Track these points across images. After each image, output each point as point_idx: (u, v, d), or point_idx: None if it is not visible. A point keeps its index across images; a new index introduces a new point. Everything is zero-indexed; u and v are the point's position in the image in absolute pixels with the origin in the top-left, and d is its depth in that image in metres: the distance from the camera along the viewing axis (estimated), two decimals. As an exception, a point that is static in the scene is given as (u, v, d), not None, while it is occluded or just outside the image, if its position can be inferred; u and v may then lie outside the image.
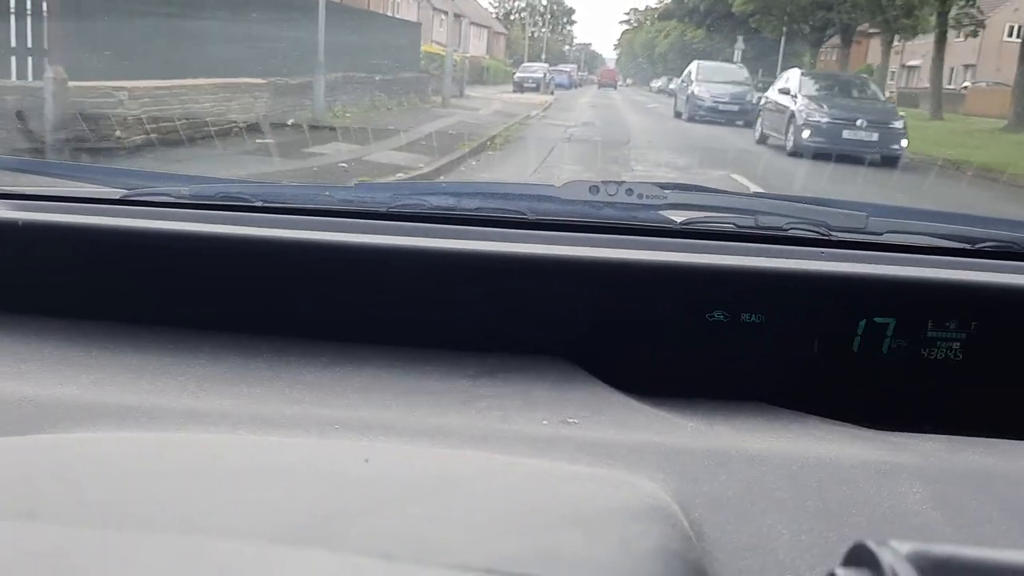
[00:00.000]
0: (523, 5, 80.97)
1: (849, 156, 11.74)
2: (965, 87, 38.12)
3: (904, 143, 12.62)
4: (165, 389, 0.84)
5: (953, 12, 24.44)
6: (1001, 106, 25.14)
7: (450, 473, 0.62)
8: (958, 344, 1.02)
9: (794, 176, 10.65)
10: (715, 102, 18.68)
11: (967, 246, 1.13)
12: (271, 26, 13.21)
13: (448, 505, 0.55)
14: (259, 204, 1.15)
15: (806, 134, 12.55)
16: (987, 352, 1.02)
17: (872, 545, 0.40)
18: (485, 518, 0.54)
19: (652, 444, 0.76)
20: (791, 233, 1.13)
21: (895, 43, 31.06)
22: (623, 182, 1.15)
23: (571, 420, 0.81)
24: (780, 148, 13.28)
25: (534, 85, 31.04)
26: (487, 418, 0.82)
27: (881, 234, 1.13)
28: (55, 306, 1.01)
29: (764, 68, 32.11)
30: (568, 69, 50.43)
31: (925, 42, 31.11)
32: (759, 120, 15.26)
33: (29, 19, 9.23)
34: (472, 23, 47.48)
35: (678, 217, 1.15)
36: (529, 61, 46.69)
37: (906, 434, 0.83)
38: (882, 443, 0.80)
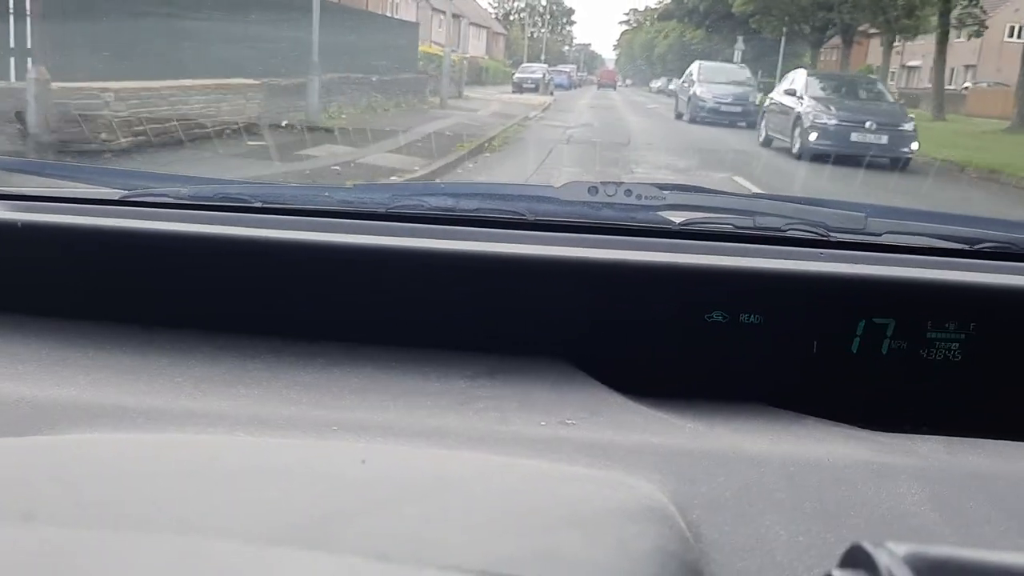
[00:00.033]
0: (522, 5, 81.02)
1: (858, 160, 11.41)
2: (966, 88, 38.16)
3: (915, 146, 12.29)
4: (163, 390, 0.84)
5: (956, 12, 24.38)
6: (1003, 107, 25.14)
7: (448, 474, 0.62)
8: (957, 345, 1.02)
9: (803, 181, 10.48)
10: (717, 103, 18.47)
11: (966, 247, 1.13)
12: (265, 26, 13.04)
13: (445, 506, 0.55)
14: (258, 205, 1.15)
15: (813, 137, 12.26)
16: (986, 353, 1.02)
17: (868, 546, 0.40)
18: (482, 519, 0.54)
19: (650, 445, 0.76)
20: (790, 234, 1.13)
21: (895, 43, 31.04)
22: (622, 183, 1.15)
23: (569, 421, 0.81)
24: (785, 151, 13.03)
25: (533, 86, 31.02)
26: (485, 419, 0.82)
27: (880, 235, 1.13)
28: (53, 307, 1.01)
29: (764, 69, 32.12)
30: (567, 70, 50.40)
31: (925, 42, 31.14)
32: (763, 122, 14.89)
33: (11, 19, 9.06)
34: (471, 23, 47.47)
35: (677, 218, 1.15)
36: (528, 62, 46.66)
37: (905, 435, 0.83)
38: (881, 444, 0.80)
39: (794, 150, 12.64)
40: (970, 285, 1.02)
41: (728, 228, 1.13)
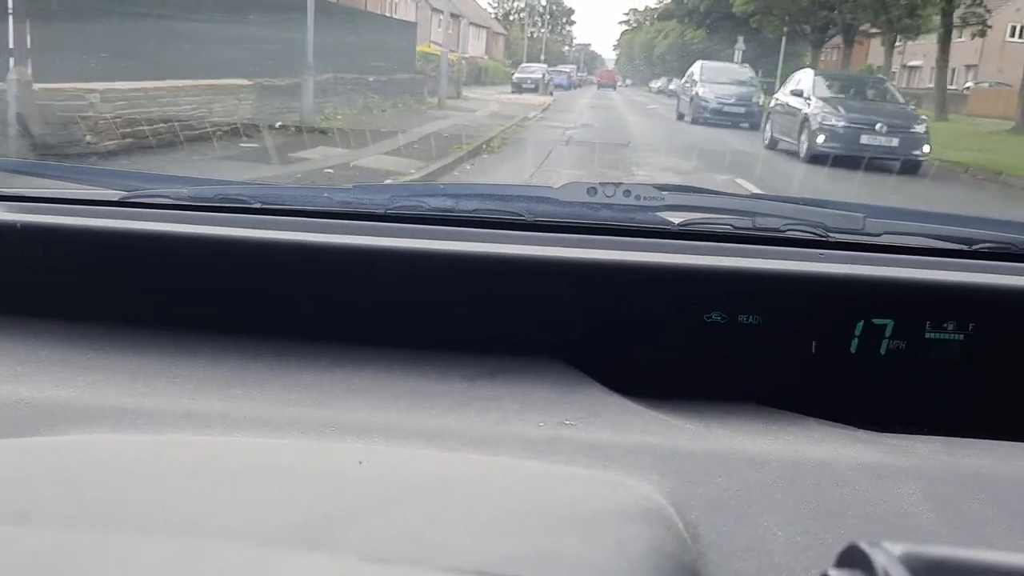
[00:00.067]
0: (522, 5, 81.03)
1: (867, 163, 11.02)
2: (967, 88, 38.14)
3: (926, 148, 11.90)
4: (163, 391, 0.84)
5: (960, 11, 24.24)
6: (1005, 107, 25.09)
7: (447, 475, 0.62)
8: (956, 345, 1.02)
9: (810, 185, 10.22)
10: (720, 104, 18.24)
11: (964, 247, 1.13)
12: (259, 25, 12.76)
13: (445, 507, 0.55)
14: (257, 206, 1.15)
15: (821, 139, 11.85)
16: (985, 353, 1.02)
17: (865, 546, 0.40)
18: (482, 520, 0.54)
19: (649, 446, 0.76)
20: (789, 234, 1.13)
21: (896, 43, 31.00)
22: (621, 184, 1.15)
23: (568, 422, 0.81)
24: (792, 154, 12.65)
25: (533, 86, 31.00)
26: (484, 420, 0.82)
27: (878, 235, 1.13)
28: (53, 308, 1.01)
29: (764, 69, 32.08)
30: (567, 70, 50.40)
31: (926, 42, 31.10)
32: (768, 123, 14.49)
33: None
34: (471, 23, 47.45)
35: (676, 219, 1.15)
36: (528, 62, 46.65)
37: (903, 435, 0.83)
38: (880, 445, 0.81)
39: (801, 153, 12.29)
40: (968, 285, 1.02)
41: (727, 229, 1.13)
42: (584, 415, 0.83)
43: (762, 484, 0.70)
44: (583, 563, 0.49)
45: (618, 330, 1.02)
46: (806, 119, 12.40)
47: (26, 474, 0.57)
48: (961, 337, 1.02)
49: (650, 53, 69.61)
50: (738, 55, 30.93)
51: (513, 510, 0.56)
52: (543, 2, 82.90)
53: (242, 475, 0.59)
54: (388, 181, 7.07)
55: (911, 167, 11.67)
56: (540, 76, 32.66)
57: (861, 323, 1.02)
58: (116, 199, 1.17)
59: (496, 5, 76.35)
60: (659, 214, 1.15)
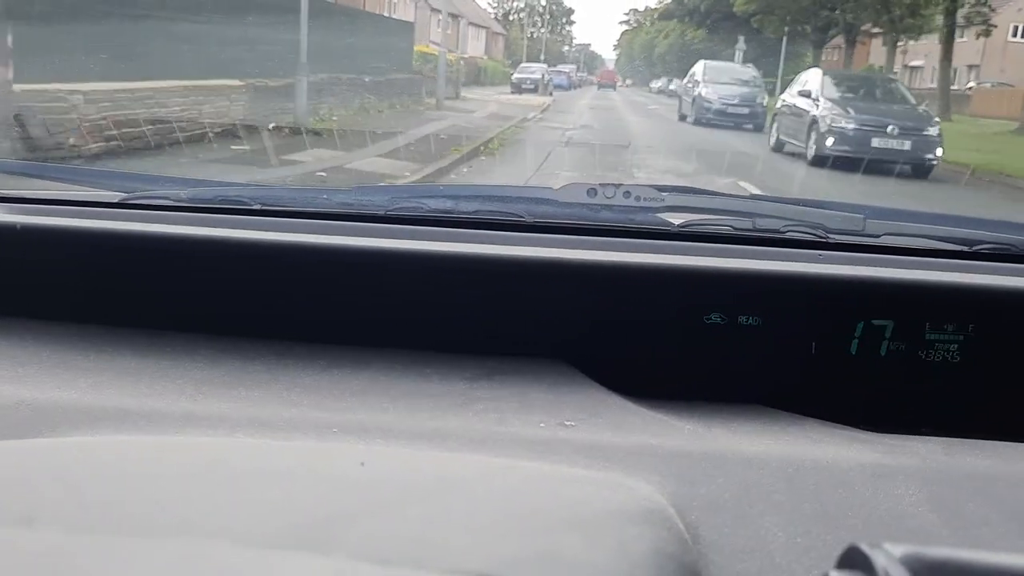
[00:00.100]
0: (522, 5, 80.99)
1: (878, 166, 10.73)
2: (970, 88, 38.09)
3: (939, 152, 11.40)
4: (163, 392, 0.84)
5: (964, 11, 24.06)
6: (1008, 107, 25.02)
7: (448, 476, 0.62)
8: (956, 346, 1.02)
9: (815, 189, 9.93)
10: (724, 104, 17.94)
11: (964, 248, 1.13)
12: (251, 25, 12.45)
13: (446, 508, 0.55)
14: (257, 207, 1.15)
15: (830, 142, 11.43)
16: (984, 354, 1.02)
17: (866, 548, 0.40)
18: (483, 521, 0.54)
19: (649, 447, 0.76)
20: (788, 235, 1.13)
21: (899, 43, 30.94)
22: (621, 185, 1.15)
23: (568, 423, 0.81)
24: (799, 156, 12.27)
25: (532, 86, 30.96)
26: (484, 421, 0.82)
27: (878, 236, 1.13)
28: (53, 310, 1.01)
29: (764, 69, 32.06)
30: (567, 70, 50.38)
31: (928, 42, 31.04)
32: (774, 125, 14.00)
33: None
34: (470, 23, 47.50)
35: (676, 220, 1.15)
36: (527, 62, 46.58)
37: (904, 436, 0.83)
38: (880, 445, 0.81)
39: (809, 156, 11.85)
40: (968, 286, 1.02)
41: (727, 230, 1.14)
42: (584, 416, 0.83)
43: (762, 485, 0.70)
44: (584, 564, 0.49)
45: (618, 331, 1.02)
46: (814, 121, 11.98)
47: (28, 475, 0.57)
48: (961, 338, 1.02)
49: (650, 53, 69.63)
50: (739, 55, 30.90)
51: (514, 511, 0.56)
52: (543, 2, 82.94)
53: (243, 476, 0.59)
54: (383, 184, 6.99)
55: (923, 171, 11.30)
56: (539, 76, 32.61)
57: (861, 324, 1.02)
58: (116, 201, 1.17)
59: (495, 5, 76.39)
60: (659, 215, 1.15)
